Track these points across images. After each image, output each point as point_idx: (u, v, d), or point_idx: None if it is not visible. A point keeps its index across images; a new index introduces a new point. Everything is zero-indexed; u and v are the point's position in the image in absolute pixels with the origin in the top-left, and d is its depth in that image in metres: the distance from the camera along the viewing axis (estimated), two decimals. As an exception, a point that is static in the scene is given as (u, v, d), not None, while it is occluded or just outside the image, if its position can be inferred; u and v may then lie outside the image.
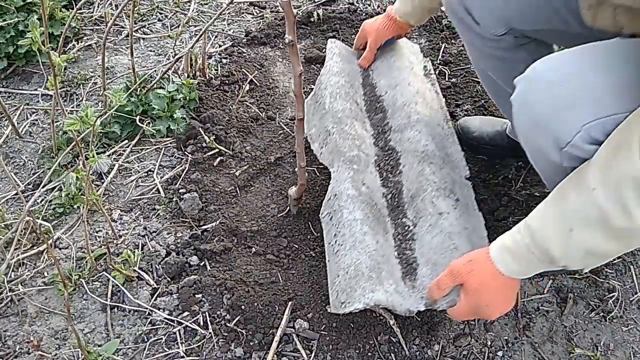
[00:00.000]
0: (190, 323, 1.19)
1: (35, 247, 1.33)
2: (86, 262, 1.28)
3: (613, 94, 0.88)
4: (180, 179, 1.49)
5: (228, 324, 1.19)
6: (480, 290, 0.99)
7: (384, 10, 2.09)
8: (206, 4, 2.16)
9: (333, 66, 1.50)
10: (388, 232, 1.20)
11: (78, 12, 1.99)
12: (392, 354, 1.15)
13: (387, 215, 1.24)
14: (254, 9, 2.16)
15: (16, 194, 1.45)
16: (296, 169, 1.27)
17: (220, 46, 1.96)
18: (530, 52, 1.23)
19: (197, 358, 1.15)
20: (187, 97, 1.66)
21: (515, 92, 0.98)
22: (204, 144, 1.57)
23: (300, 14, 2.08)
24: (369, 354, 1.15)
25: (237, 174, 1.52)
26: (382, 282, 1.06)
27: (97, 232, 1.37)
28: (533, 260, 0.94)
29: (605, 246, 0.88)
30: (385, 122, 1.42)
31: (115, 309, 1.22)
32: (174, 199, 1.44)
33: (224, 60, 1.89)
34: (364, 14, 2.11)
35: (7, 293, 1.24)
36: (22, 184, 1.49)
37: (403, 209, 1.24)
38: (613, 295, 1.27)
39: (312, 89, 1.62)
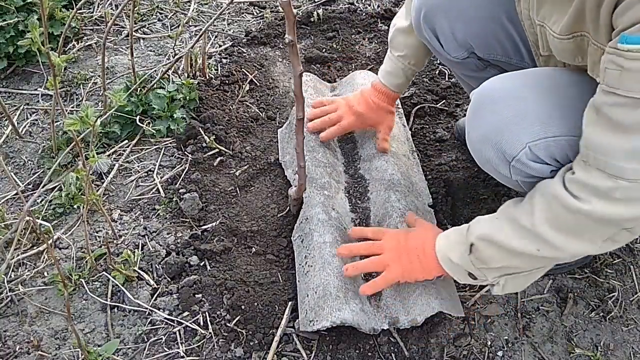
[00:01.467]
0: (190, 323, 1.19)
1: (35, 247, 1.33)
2: (86, 262, 1.28)
3: (558, 117, 0.94)
4: (180, 179, 1.49)
5: (228, 324, 1.19)
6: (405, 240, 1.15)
7: (385, 11, 2.10)
8: (206, 4, 2.16)
9: (307, 98, 1.58)
10: (355, 256, 1.26)
11: (78, 12, 1.99)
12: (392, 354, 1.15)
13: (355, 240, 1.30)
14: (254, 9, 2.16)
15: (16, 194, 1.45)
16: (296, 169, 1.28)
17: (220, 46, 1.96)
18: (499, 71, 1.28)
19: (197, 358, 1.15)
20: (187, 97, 1.66)
21: (469, 105, 1.04)
22: (204, 144, 1.57)
23: (300, 14, 2.08)
24: (369, 354, 1.15)
25: (237, 174, 1.52)
26: (348, 301, 1.13)
27: (97, 232, 1.37)
28: (459, 241, 1.04)
29: (509, 243, 0.95)
30: (355, 151, 1.53)
31: (115, 309, 1.22)
32: (174, 199, 1.44)
33: (224, 60, 1.89)
34: (364, 14, 2.11)
35: (7, 293, 1.24)
36: (22, 184, 1.49)
37: None
38: (613, 295, 1.27)
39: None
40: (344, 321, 1.09)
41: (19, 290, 1.25)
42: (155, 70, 1.80)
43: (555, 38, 0.92)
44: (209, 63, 1.85)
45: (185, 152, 1.57)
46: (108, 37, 1.91)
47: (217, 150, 1.56)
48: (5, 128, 1.65)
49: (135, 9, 2.05)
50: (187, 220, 1.40)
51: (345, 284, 1.16)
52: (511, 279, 1.04)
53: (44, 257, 1.31)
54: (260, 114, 1.72)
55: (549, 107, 0.95)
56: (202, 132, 1.59)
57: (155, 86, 1.63)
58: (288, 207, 1.42)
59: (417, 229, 1.20)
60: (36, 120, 1.68)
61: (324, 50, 1.96)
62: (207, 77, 1.78)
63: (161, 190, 1.47)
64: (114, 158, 1.56)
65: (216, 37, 2.00)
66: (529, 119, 0.94)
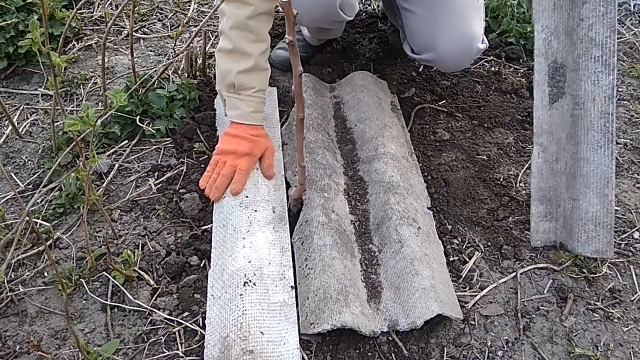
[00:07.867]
0: (190, 323, 1.19)
1: (35, 247, 1.33)
2: (86, 262, 1.28)
3: None
4: (180, 179, 1.49)
5: (228, 324, 1.19)
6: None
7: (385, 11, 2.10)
8: (206, 4, 2.16)
9: (307, 99, 1.58)
10: (355, 257, 1.28)
11: (78, 12, 1.99)
12: (392, 354, 1.15)
13: (355, 241, 1.32)
14: (254, 9, 2.16)
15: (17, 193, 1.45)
16: (296, 170, 1.28)
17: (220, 46, 1.96)
18: None
19: (197, 358, 1.15)
20: (187, 97, 1.66)
21: None
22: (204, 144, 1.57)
23: (300, 14, 2.07)
24: (369, 354, 1.15)
25: (237, 174, 1.52)
26: (349, 304, 1.13)
27: (97, 232, 1.37)
28: None
29: None
30: (354, 153, 1.53)
31: (115, 309, 1.22)
32: (174, 199, 1.44)
33: (224, 60, 1.89)
34: (363, 14, 2.11)
35: (7, 293, 1.24)
36: (22, 184, 1.49)
37: (369, 235, 1.34)
38: (613, 295, 1.27)
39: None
40: (344, 324, 1.09)
41: (19, 290, 1.25)
42: (155, 70, 1.79)
43: None
44: (209, 63, 1.85)
45: (185, 152, 1.57)
46: (108, 37, 1.92)
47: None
48: (5, 128, 1.65)
49: (135, 9, 2.05)
50: (187, 220, 1.40)
51: (346, 286, 1.16)
52: None
53: (44, 257, 1.31)
54: (260, 114, 1.71)
55: None
56: (199, 134, 1.59)
57: (155, 86, 1.63)
58: (288, 207, 1.42)
59: None
60: (36, 120, 1.68)
61: (324, 50, 1.96)
62: (207, 77, 1.78)
63: (155, 189, 1.47)
64: (114, 158, 1.56)
65: (216, 37, 2.00)
66: None
